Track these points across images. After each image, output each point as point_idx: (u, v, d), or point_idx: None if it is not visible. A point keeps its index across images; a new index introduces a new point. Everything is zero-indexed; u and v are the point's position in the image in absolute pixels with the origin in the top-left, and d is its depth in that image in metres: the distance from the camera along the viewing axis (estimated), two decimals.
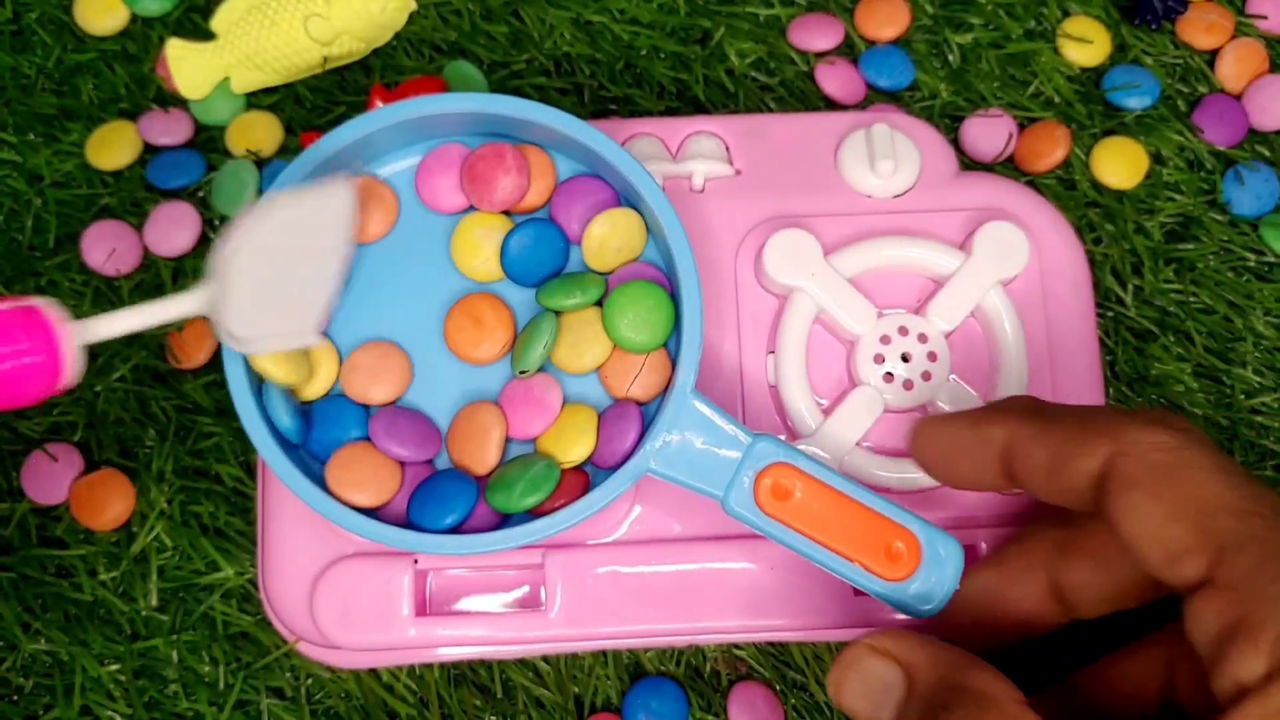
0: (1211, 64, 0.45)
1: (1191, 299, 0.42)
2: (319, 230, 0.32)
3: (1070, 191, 0.43)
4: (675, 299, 0.34)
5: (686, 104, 0.44)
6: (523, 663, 0.38)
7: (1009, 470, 0.30)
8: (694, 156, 0.39)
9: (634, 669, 0.38)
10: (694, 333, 0.33)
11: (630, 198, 0.35)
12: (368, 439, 0.34)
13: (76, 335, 0.29)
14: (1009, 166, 0.43)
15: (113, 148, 0.43)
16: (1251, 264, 0.42)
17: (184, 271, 0.42)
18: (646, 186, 0.34)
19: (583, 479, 0.34)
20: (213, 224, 0.42)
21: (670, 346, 0.35)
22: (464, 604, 0.37)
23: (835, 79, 0.44)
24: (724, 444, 0.33)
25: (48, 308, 0.29)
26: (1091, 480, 0.28)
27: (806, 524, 0.32)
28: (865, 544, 0.32)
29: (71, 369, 0.29)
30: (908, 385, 0.37)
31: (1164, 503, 0.26)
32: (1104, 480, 0.28)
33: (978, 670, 0.28)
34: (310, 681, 0.38)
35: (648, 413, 0.34)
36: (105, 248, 0.42)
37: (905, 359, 0.37)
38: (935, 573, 0.32)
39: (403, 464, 0.34)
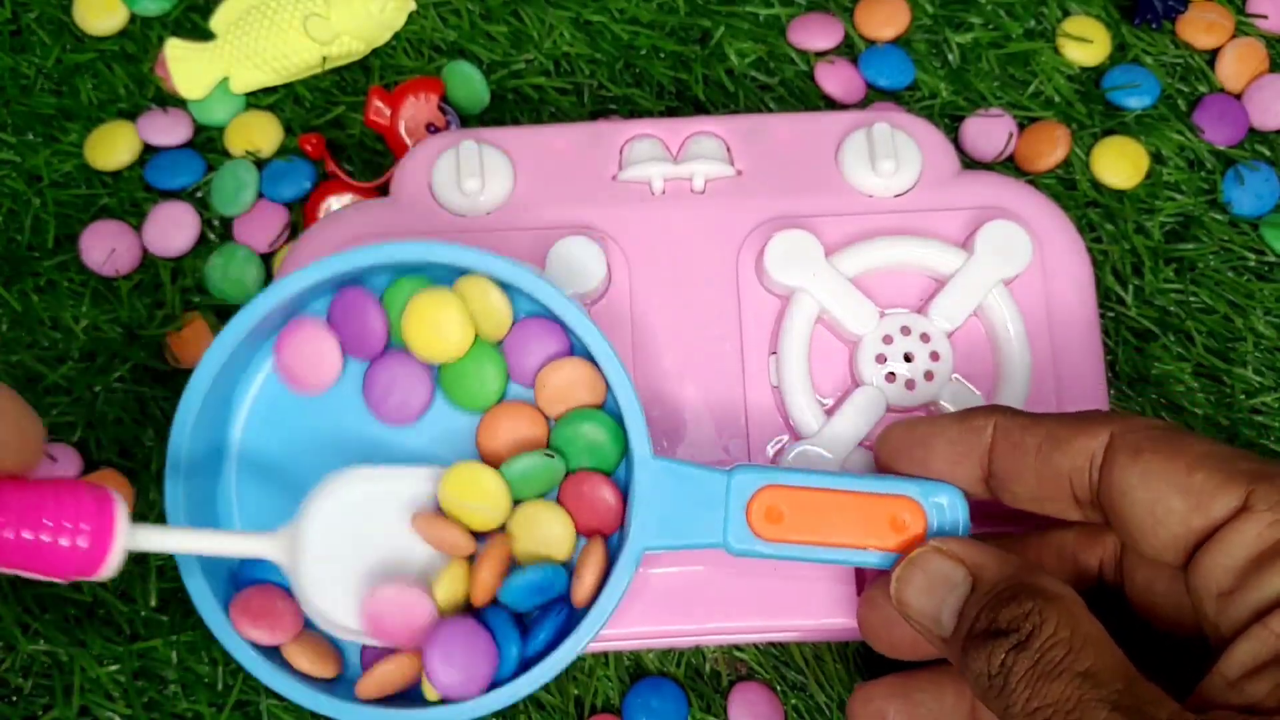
0: (1212, 64, 0.45)
1: (1192, 299, 0.42)
2: (399, 510, 0.32)
3: (1070, 191, 0.43)
4: (606, 381, 0.33)
5: (686, 104, 0.44)
6: None
7: (990, 467, 0.31)
8: (695, 157, 0.39)
9: (634, 669, 0.38)
10: (631, 402, 0.32)
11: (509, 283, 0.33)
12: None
13: (130, 538, 0.28)
14: (1009, 166, 0.43)
15: (112, 148, 0.43)
16: (1252, 264, 0.42)
17: (183, 272, 0.41)
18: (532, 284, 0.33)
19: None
20: (211, 224, 0.42)
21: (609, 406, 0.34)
22: None
23: (835, 79, 0.44)
24: (704, 489, 0.32)
25: (119, 502, 0.28)
26: (1090, 459, 0.30)
27: (809, 533, 0.32)
28: (869, 528, 0.32)
29: (112, 567, 0.28)
30: (910, 385, 0.37)
31: (1179, 459, 0.28)
32: (1110, 453, 0.29)
33: (1042, 573, 0.29)
34: None
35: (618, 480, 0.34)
36: (104, 248, 0.41)
37: (908, 359, 0.37)
38: (944, 521, 0.32)
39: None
